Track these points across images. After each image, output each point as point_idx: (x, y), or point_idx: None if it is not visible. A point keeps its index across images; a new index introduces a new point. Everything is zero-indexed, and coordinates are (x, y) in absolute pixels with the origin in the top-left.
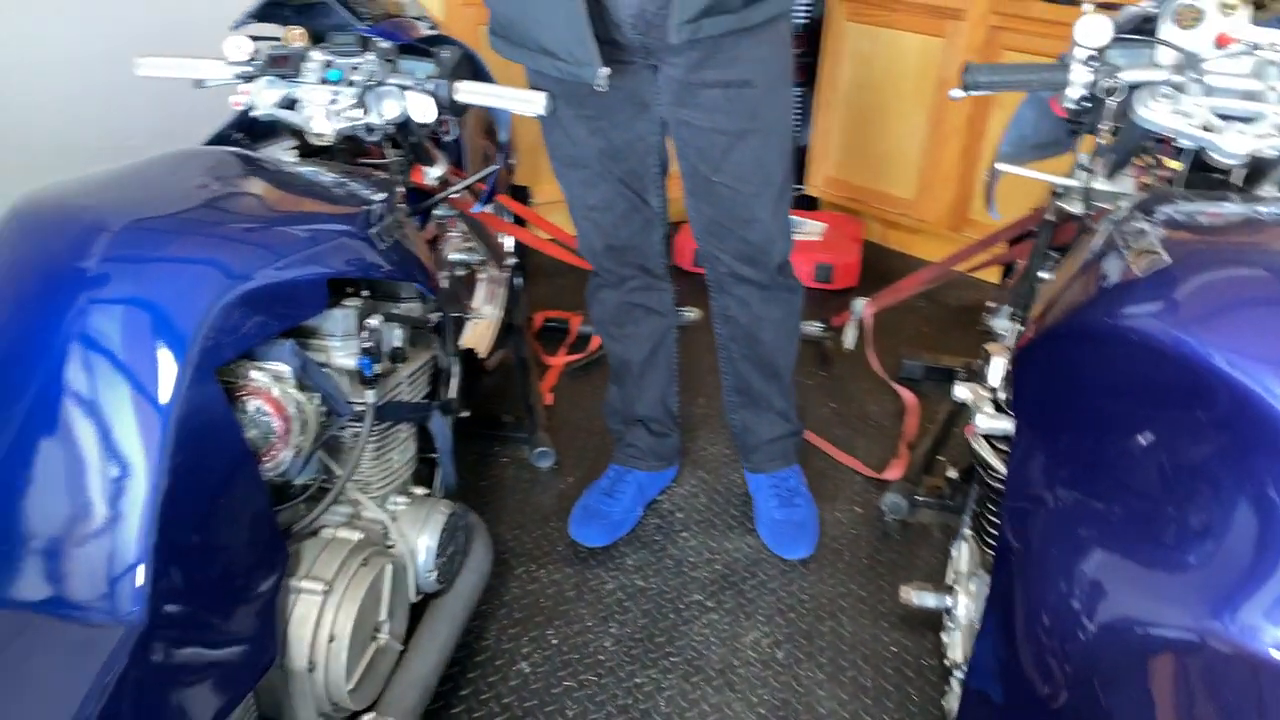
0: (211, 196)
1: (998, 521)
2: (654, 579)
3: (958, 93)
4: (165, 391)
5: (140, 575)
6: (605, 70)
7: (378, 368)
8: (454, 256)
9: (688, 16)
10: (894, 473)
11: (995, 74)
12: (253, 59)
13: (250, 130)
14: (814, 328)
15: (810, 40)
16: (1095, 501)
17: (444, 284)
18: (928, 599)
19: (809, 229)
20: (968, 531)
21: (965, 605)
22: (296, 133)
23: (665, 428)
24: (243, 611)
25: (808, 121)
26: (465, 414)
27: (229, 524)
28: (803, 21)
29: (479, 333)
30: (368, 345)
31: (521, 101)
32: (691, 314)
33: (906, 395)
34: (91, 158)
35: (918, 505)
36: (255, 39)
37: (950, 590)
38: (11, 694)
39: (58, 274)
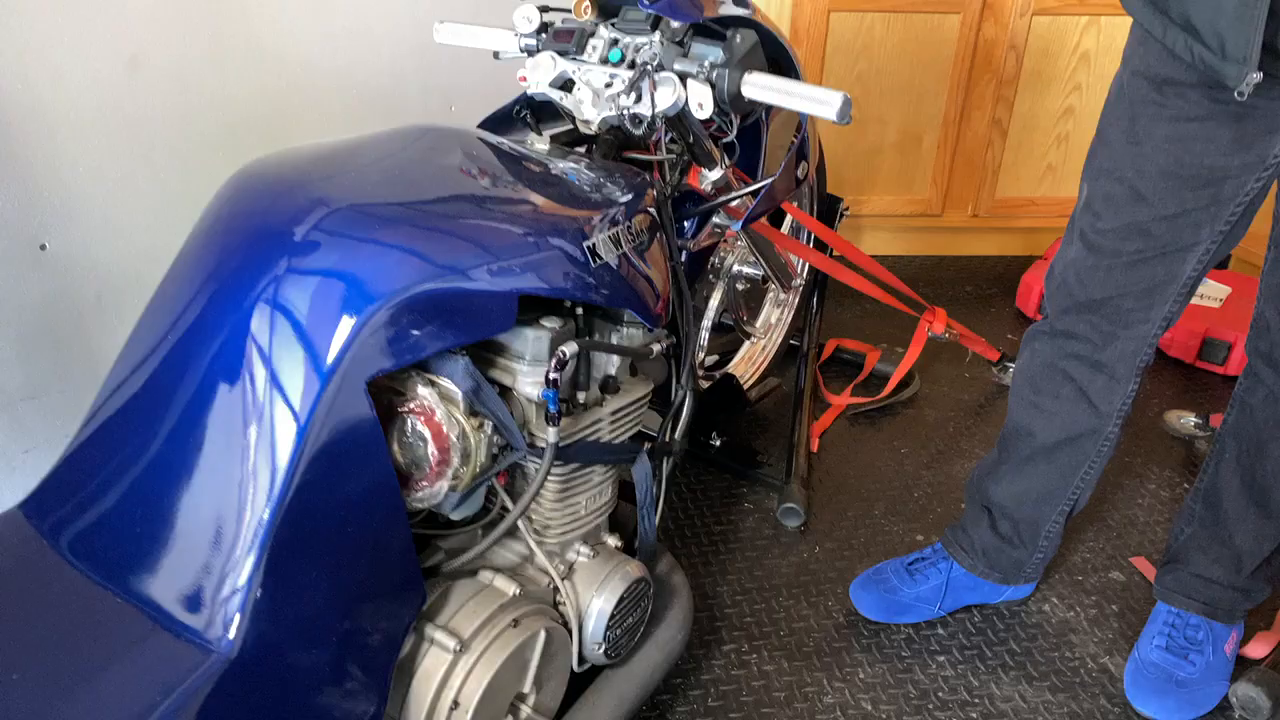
0: (419, 180)
1: None
2: (885, 706)
3: None
4: (308, 395)
5: (237, 602)
6: (1257, 75)
7: (583, 397)
8: (735, 269)
9: None
10: (1259, 649)
11: None
12: (540, 31)
13: (538, 109)
14: (1186, 422)
15: None
16: None
17: (715, 298)
18: None
19: (1204, 292)
20: None
21: None
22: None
23: (1016, 538)
24: (353, 657)
25: None
26: (717, 443)
27: (354, 556)
28: None
29: (749, 356)
30: (553, 376)
31: (815, 102)
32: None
33: None
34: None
35: None
36: (544, 10)
37: None
38: (93, 693)
39: (245, 233)
